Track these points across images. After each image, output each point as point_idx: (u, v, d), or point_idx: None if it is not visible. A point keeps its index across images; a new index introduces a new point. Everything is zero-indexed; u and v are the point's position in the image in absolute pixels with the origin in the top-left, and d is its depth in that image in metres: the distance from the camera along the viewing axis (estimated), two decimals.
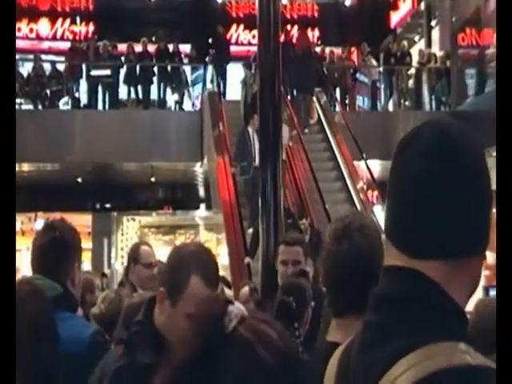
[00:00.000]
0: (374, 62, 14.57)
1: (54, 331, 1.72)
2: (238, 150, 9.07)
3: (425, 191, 0.85)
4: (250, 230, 8.02)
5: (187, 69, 14.65)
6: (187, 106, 14.47)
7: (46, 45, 19.03)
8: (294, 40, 13.40)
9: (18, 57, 15.46)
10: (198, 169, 13.77)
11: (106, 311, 3.48)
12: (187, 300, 1.68)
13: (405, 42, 15.94)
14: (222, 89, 13.17)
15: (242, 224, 8.56)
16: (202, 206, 15.72)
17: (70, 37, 18.56)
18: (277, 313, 2.64)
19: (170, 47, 14.22)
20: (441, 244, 0.85)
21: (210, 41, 13.87)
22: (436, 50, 15.96)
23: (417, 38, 18.69)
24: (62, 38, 19.05)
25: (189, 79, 14.43)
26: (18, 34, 19.44)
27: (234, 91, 12.91)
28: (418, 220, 0.86)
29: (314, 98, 12.19)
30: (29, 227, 17.50)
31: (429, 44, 17.20)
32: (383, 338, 0.85)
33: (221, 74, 13.37)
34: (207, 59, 13.72)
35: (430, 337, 0.81)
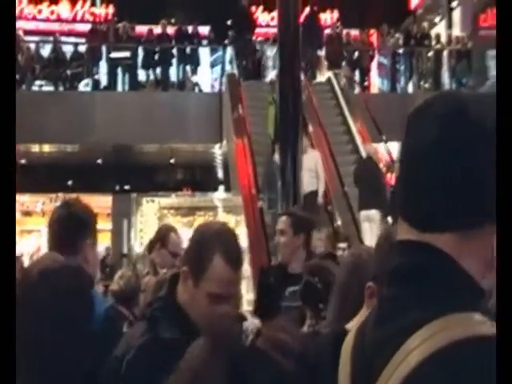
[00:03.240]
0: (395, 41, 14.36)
1: (90, 304, 1.77)
2: (264, 181, 8.31)
3: (433, 162, 0.84)
4: None
5: (206, 51, 14.61)
6: (206, 87, 14.46)
7: (66, 27, 19.11)
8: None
9: (38, 39, 15.57)
10: (217, 150, 13.80)
11: (125, 288, 3.59)
12: (210, 280, 1.68)
13: (425, 24, 15.77)
14: (242, 70, 13.03)
15: (260, 206, 8.61)
16: (221, 187, 15.79)
17: (90, 19, 18.63)
18: (302, 294, 2.63)
19: (189, 29, 14.20)
20: (450, 216, 0.84)
21: (230, 22, 13.77)
22: (456, 31, 15.77)
23: (437, 19, 18.44)
24: (82, 20, 19.12)
25: (208, 61, 14.38)
26: (38, 16, 19.56)
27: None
28: (426, 192, 0.84)
29: (334, 80, 12.16)
30: (49, 208, 17.76)
31: (449, 25, 16.99)
32: (398, 311, 0.84)
33: (242, 55, 13.10)
34: (226, 41, 13.62)
35: (444, 308, 0.80)
